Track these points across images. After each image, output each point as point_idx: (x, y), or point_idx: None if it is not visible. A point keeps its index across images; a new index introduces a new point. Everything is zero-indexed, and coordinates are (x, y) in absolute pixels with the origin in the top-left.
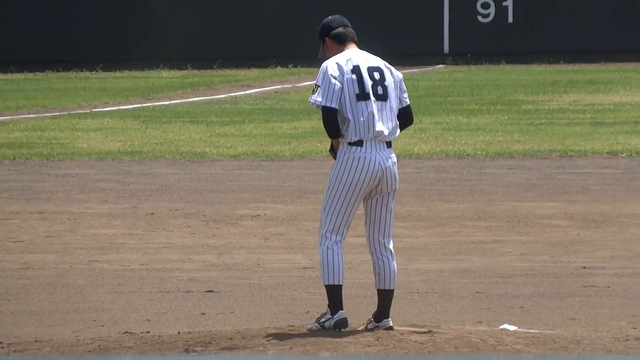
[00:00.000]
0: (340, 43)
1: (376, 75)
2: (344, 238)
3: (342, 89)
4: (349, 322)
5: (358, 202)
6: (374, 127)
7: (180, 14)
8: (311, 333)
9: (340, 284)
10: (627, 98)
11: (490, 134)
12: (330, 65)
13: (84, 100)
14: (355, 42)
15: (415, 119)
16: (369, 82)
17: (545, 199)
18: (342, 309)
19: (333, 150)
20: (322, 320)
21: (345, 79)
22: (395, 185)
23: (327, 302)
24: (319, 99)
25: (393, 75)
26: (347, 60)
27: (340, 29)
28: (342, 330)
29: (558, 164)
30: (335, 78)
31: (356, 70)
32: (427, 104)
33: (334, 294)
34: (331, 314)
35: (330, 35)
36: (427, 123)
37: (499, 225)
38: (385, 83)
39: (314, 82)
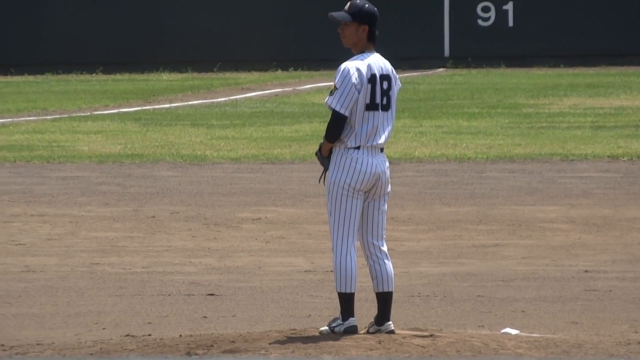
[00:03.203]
0: (369, 40)
1: (385, 84)
2: (356, 240)
3: (357, 98)
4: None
5: (360, 203)
6: (375, 138)
7: (181, 16)
8: (313, 336)
9: (353, 291)
10: (628, 102)
11: (490, 137)
12: (353, 70)
13: (85, 102)
14: (375, 45)
15: (415, 122)
16: (379, 93)
17: (546, 203)
18: (353, 316)
19: (321, 153)
20: (333, 325)
21: (362, 87)
22: (388, 188)
23: (340, 309)
24: (334, 103)
25: (396, 84)
26: (368, 66)
27: (376, 30)
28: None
29: (559, 168)
30: (355, 86)
31: (372, 79)
32: (428, 107)
33: (346, 301)
34: (342, 320)
35: (371, 28)
36: (428, 126)
37: (500, 228)
38: (390, 92)
39: (326, 84)
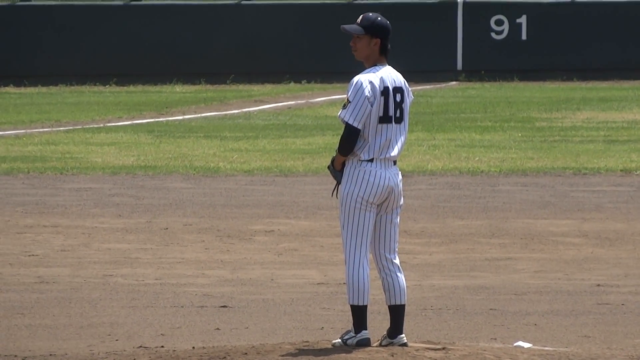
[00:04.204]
0: (381, 54)
1: (398, 97)
2: (368, 252)
3: (370, 111)
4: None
5: (373, 216)
6: (388, 151)
7: (193, 28)
8: (326, 349)
9: (366, 304)
10: None
11: (503, 151)
12: (366, 83)
13: (98, 114)
14: (387, 58)
15: (429, 135)
16: (392, 105)
17: (559, 217)
18: (365, 329)
19: (333, 166)
20: (346, 337)
21: (375, 100)
22: (401, 201)
23: (352, 321)
24: (347, 116)
25: (409, 96)
26: (380, 79)
27: (389, 43)
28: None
29: (572, 182)
30: (368, 99)
31: (385, 92)
32: (441, 120)
33: (359, 314)
34: (355, 333)
35: (383, 41)
36: (441, 139)
37: (512, 242)
38: (403, 105)
39: (339, 96)
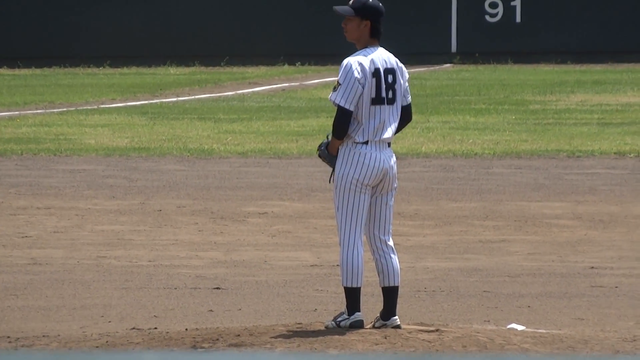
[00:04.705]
0: (372, 36)
1: (390, 78)
2: (362, 234)
3: (362, 92)
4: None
5: (367, 198)
6: (382, 132)
7: (188, 10)
8: (319, 331)
9: (359, 286)
10: (635, 99)
11: (497, 133)
12: (355, 65)
13: (92, 96)
14: (379, 40)
15: (422, 117)
16: (384, 87)
17: (552, 199)
18: (359, 311)
19: (328, 151)
20: (339, 319)
21: (366, 82)
22: (395, 183)
23: (345, 303)
24: (338, 99)
25: (402, 76)
26: (371, 61)
27: (381, 25)
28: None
29: (565, 164)
30: (358, 81)
31: (377, 73)
32: (435, 103)
33: (352, 296)
34: (348, 315)
35: (374, 23)
36: (435, 122)
37: (506, 224)
38: (395, 86)
39: (333, 78)
